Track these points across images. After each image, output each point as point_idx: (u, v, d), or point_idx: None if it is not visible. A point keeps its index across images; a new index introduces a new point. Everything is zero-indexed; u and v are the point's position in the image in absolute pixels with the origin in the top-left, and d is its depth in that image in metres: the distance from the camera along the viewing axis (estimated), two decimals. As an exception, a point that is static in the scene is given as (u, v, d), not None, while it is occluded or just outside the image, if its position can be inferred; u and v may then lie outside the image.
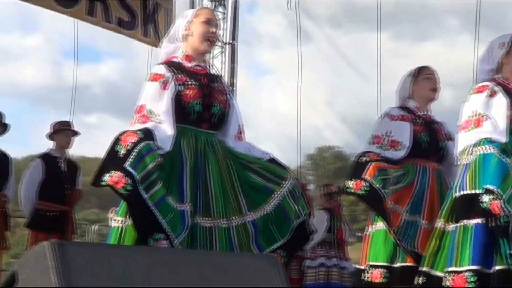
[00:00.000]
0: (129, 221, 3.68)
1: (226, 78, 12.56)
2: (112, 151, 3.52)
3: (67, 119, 8.47)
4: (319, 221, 8.94)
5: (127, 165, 3.43)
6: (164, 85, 3.87)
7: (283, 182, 3.95)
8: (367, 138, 4.99)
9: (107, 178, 3.42)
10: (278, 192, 3.91)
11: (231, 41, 12.79)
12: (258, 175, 3.96)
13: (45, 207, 7.50)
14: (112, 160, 3.49)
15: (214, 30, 4.07)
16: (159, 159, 3.59)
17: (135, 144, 3.50)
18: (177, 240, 3.51)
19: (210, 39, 4.06)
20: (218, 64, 12.89)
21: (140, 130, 3.63)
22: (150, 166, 3.48)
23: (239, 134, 4.17)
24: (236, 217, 3.83)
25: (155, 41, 11.09)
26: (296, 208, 3.93)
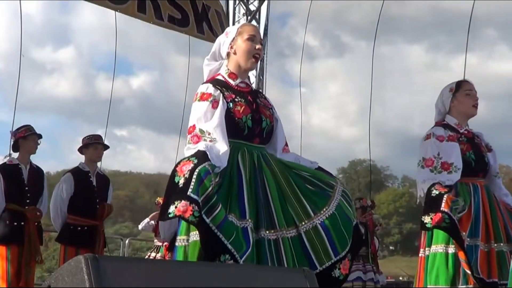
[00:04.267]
0: (192, 238, 3.72)
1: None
2: (172, 184, 3.54)
3: (100, 133, 8.50)
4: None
5: (189, 192, 3.43)
6: (215, 104, 3.88)
7: (334, 188, 3.99)
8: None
9: (173, 209, 3.42)
10: (335, 196, 3.95)
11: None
12: (310, 183, 3.99)
13: (75, 222, 7.54)
14: (174, 191, 3.50)
15: (258, 46, 4.09)
16: (216, 179, 3.61)
17: (192, 171, 3.50)
18: (242, 259, 3.49)
19: (255, 56, 4.08)
20: (251, 77, 12.90)
21: (193, 156, 3.64)
22: (210, 189, 3.49)
23: (286, 147, 4.21)
24: (306, 222, 3.83)
25: (212, 37, 11.11)
26: (351, 210, 3.99)
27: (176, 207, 3.41)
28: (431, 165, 4.87)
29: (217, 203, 3.52)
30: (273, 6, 13.43)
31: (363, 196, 12.04)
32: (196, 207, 3.39)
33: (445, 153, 4.88)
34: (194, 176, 3.47)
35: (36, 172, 7.52)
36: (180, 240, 3.83)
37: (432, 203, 4.66)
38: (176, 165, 3.61)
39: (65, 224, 7.55)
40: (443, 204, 4.57)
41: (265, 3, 13.06)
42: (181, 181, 3.49)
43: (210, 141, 3.76)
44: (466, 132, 5.08)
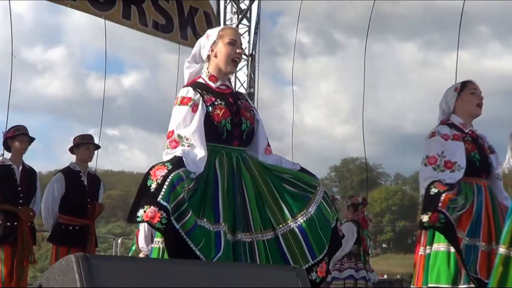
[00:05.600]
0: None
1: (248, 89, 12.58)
2: (144, 186, 3.56)
3: (92, 133, 8.50)
4: (348, 232, 8.91)
5: (160, 198, 3.46)
6: (194, 107, 3.90)
7: (316, 190, 4.01)
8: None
9: (142, 213, 3.45)
10: (315, 198, 3.96)
11: (253, 52, 12.78)
12: (292, 185, 4.00)
13: (66, 221, 7.55)
14: (145, 195, 3.52)
15: (239, 51, 4.12)
16: (191, 185, 3.64)
17: (165, 177, 3.52)
18: None
19: (235, 60, 4.11)
20: (243, 76, 12.85)
21: (168, 161, 3.66)
22: (181, 196, 3.51)
23: (268, 147, 4.21)
24: (283, 224, 3.85)
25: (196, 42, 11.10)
26: (331, 212, 4.00)
27: (145, 211, 3.45)
28: (434, 163, 4.85)
29: (187, 210, 3.53)
30: (264, 5, 13.41)
31: (355, 194, 12.05)
32: (165, 214, 3.43)
33: (449, 152, 4.87)
34: (167, 183, 3.50)
35: (29, 172, 7.53)
36: (156, 242, 3.93)
37: (430, 202, 4.65)
38: (150, 169, 3.62)
39: (56, 224, 7.56)
40: (440, 203, 4.56)
41: (256, 1, 13.03)
42: (153, 186, 3.51)
43: (188, 146, 3.79)
44: (470, 132, 5.08)
